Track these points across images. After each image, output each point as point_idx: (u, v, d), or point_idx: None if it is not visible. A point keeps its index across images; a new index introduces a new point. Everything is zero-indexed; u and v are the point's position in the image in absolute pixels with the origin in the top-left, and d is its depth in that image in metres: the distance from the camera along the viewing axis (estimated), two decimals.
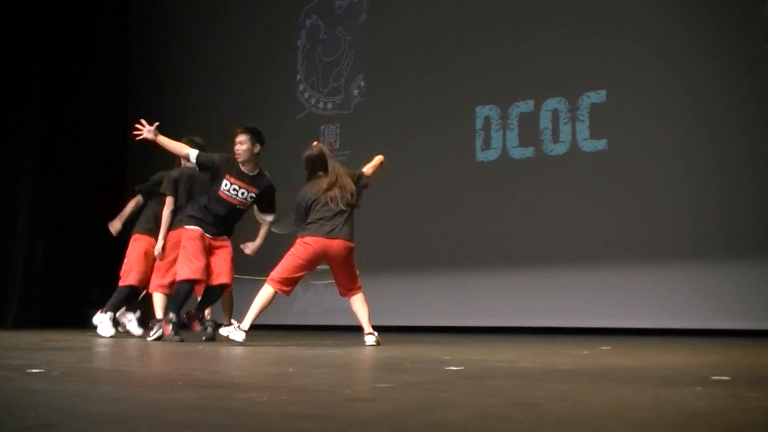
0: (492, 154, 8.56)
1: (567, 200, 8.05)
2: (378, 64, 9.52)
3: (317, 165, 5.59)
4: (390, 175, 9.17)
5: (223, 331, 5.40)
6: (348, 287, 5.56)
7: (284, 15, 10.37)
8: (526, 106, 8.40)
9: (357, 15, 9.77)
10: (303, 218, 5.51)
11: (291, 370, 3.63)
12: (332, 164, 5.57)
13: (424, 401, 2.35)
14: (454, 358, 4.13)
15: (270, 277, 5.40)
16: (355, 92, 9.67)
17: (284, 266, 5.41)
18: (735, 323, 7.07)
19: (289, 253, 5.47)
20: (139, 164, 11.24)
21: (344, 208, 5.47)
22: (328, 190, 5.46)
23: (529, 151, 8.35)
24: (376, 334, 5.45)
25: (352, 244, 5.51)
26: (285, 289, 5.39)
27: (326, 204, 5.43)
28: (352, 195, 5.52)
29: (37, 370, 3.30)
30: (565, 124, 8.14)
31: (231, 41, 10.74)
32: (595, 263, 7.83)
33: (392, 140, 9.21)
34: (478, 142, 8.67)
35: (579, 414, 2.07)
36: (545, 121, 8.25)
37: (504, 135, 8.51)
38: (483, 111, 8.67)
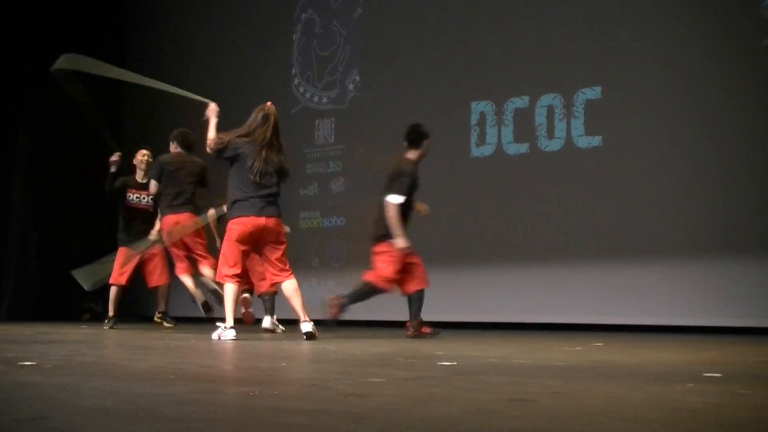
0: (487, 150, 8.55)
1: (562, 196, 8.05)
2: (373, 58, 9.50)
3: (256, 128, 5.49)
4: (385, 169, 9.20)
5: (214, 335, 5.38)
6: (280, 268, 5.47)
7: (280, 9, 10.35)
8: (521, 102, 8.39)
9: (353, 9, 9.75)
10: (222, 154, 5.46)
11: (284, 364, 3.63)
12: (273, 133, 5.51)
13: (417, 396, 2.35)
14: (448, 354, 4.13)
15: (224, 273, 5.38)
16: (350, 87, 9.65)
17: (231, 259, 5.37)
18: (728, 320, 7.08)
19: (226, 242, 5.44)
20: (133, 157, 11.20)
21: (272, 186, 5.43)
22: (261, 159, 5.39)
23: (524, 147, 8.35)
24: (312, 322, 5.41)
25: (280, 220, 5.50)
26: (241, 280, 5.45)
27: (255, 182, 5.36)
28: (281, 171, 5.51)
29: (30, 363, 3.30)
30: (560, 120, 8.14)
31: (226, 35, 10.71)
32: (589, 259, 7.83)
33: (387, 135, 9.19)
34: (473, 138, 8.67)
35: (572, 410, 2.07)
36: (540, 117, 8.25)
37: (499, 131, 8.51)
38: (478, 107, 8.66)
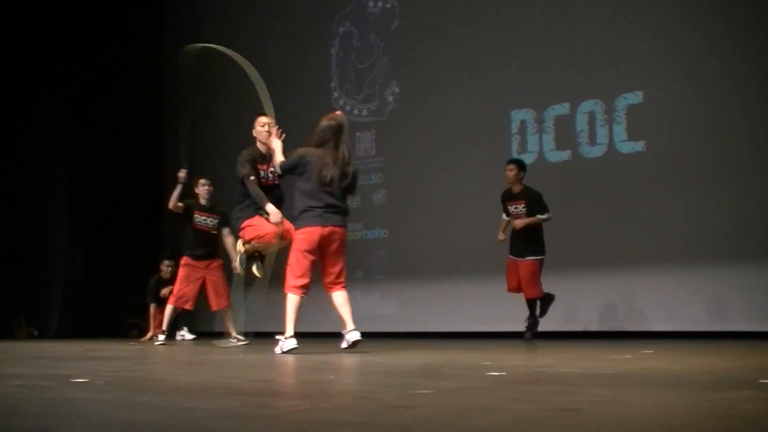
0: (528, 158, 8.50)
1: (605, 202, 7.98)
2: (412, 69, 9.52)
3: (329, 137, 5.38)
4: (427, 180, 9.20)
5: (277, 350, 5.32)
6: (335, 280, 5.43)
7: (317, 22, 10.42)
8: (561, 108, 8.35)
9: (390, 21, 9.79)
10: (291, 170, 5.43)
11: (332, 377, 3.64)
12: (344, 143, 5.41)
13: (465, 407, 2.34)
14: (495, 364, 4.10)
15: (291, 284, 5.32)
16: (390, 98, 9.68)
17: (299, 270, 5.32)
18: None
19: (293, 253, 5.38)
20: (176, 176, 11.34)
21: (340, 194, 5.37)
22: (332, 168, 5.30)
23: (565, 154, 8.29)
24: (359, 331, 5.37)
25: (346, 231, 5.45)
26: (307, 292, 5.37)
27: (326, 191, 5.30)
28: (352, 180, 5.42)
29: (82, 380, 3.34)
30: (601, 126, 8.07)
31: (265, 49, 10.80)
32: (636, 266, 7.74)
33: (428, 146, 9.21)
34: (514, 146, 8.63)
35: (622, 420, 2.04)
36: (581, 123, 8.19)
37: (540, 138, 8.47)
38: (518, 115, 8.63)
